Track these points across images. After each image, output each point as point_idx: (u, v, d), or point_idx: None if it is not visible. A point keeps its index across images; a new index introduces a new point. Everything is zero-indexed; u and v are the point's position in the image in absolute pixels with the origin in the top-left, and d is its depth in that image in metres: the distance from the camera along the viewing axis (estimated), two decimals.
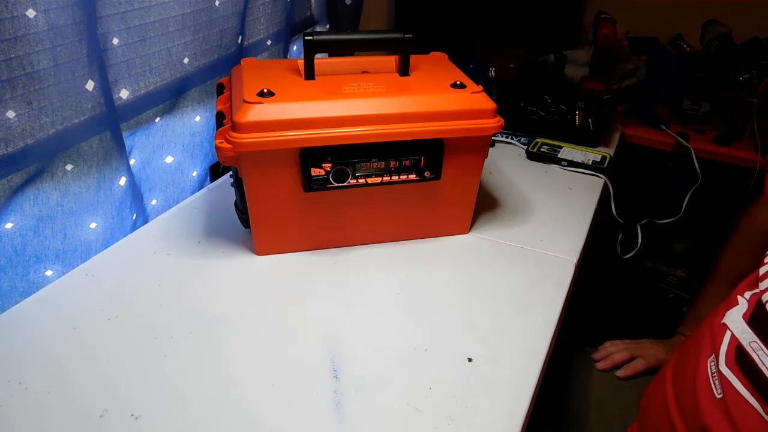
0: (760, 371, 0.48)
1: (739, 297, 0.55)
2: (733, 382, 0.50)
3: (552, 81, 1.24)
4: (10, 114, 0.56)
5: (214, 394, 0.52)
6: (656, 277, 1.45)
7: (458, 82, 0.66)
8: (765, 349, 0.48)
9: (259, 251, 0.70)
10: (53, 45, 0.56)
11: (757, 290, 0.53)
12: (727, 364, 0.51)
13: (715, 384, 0.52)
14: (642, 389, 0.71)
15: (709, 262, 0.81)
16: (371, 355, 0.56)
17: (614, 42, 1.28)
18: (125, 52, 0.70)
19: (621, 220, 1.01)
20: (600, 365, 0.77)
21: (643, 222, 1.15)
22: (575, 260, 0.71)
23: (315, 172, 0.62)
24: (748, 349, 0.49)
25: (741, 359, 0.50)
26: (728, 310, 0.55)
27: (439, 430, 0.49)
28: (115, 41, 0.68)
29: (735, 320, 0.53)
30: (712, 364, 0.53)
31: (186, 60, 0.79)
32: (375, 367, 0.55)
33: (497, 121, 0.65)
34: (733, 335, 0.52)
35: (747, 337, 0.50)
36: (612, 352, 0.79)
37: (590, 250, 0.81)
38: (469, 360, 0.56)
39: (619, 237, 1.17)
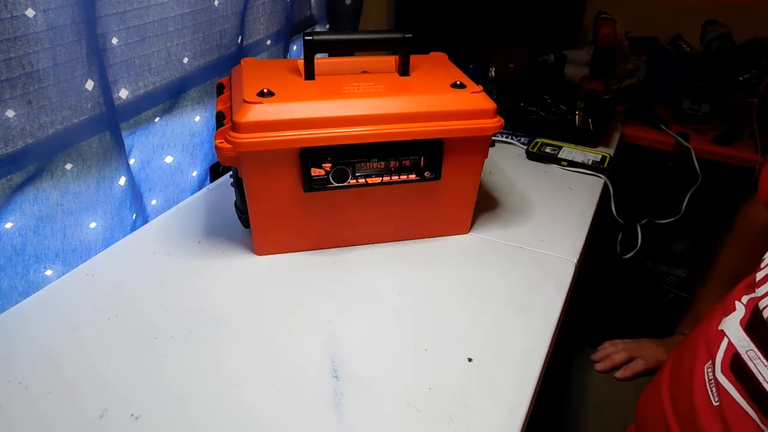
0: (757, 380, 0.47)
1: (736, 302, 0.54)
2: (729, 391, 0.49)
3: (552, 81, 1.24)
4: (10, 113, 0.56)
5: (214, 394, 0.52)
6: (656, 277, 1.45)
7: (458, 82, 0.66)
8: (762, 357, 0.48)
9: (259, 251, 0.70)
10: (53, 45, 0.56)
11: (754, 294, 0.52)
12: (724, 372, 0.50)
13: (711, 391, 0.52)
14: (642, 390, 0.70)
15: (709, 262, 0.81)
16: (371, 355, 0.56)
17: (614, 42, 1.28)
18: (125, 52, 0.70)
19: (621, 220, 1.01)
20: (599, 366, 0.77)
21: (643, 222, 1.15)
22: (575, 260, 0.71)
23: (315, 172, 0.62)
24: (745, 357, 0.49)
25: (737, 367, 0.50)
26: (725, 316, 0.54)
27: (439, 430, 0.49)
28: (115, 41, 0.68)
29: (732, 327, 0.52)
30: (709, 370, 0.53)
31: (185, 60, 0.79)
32: (375, 367, 0.55)
33: (497, 121, 0.65)
34: (730, 343, 0.52)
35: (744, 345, 0.50)
36: (611, 352, 0.79)
37: (590, 250, 0.81)
38: (469, 360, 0.56)
39: (619, 237, 1.17)
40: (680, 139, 1.20)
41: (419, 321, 0.61)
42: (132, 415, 0.49)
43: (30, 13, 0.53)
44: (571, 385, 0.78)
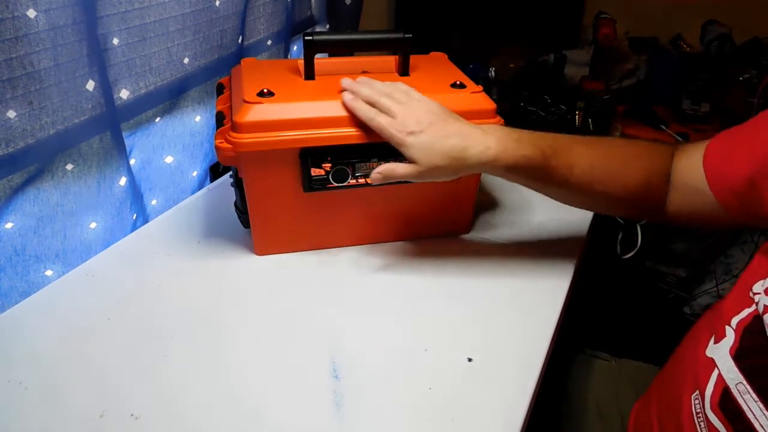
0: (747, 419, 0.45)
1: (726, 327, 0.51)
2: (720, 429, 0.47)
3: (552, 81, 1.24)
4: (11, 114, 0.56)
5: (213, 394, 0.52)
6: (656, 277, 1.45)
7: (458, 82, 0.66)
8: (751, 392, 0.45)
9: (259, 251, 0.70)
10: (54, 45, 0.56)
11: (743, 315, 0.49)
12: (713, 410, 0.48)
13: (700, 426, 0.49)
14: (642, 391, 0.70)
15: (709, 263, 0.80)
16: (371, 355, 0.56)
17: (614, 42, 1.28)
18: (125, 52, 0.70)
19: (621, 220, 1.02)
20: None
21: (643, 222, 1.15)
22: (575, 260, 0.71)
23: (315, 172, 0.62)
24: (735, 392, 0.46)
25: (727, 403, 0.47)
26: (716, 342, 0.51)
27: (439, 430, 0.49)
28: (116, 41, 0.68)
29: (723, 357, 0.49)
30: (697, 403, 0.50)
31: (186, 60, 0.79)
32: (375, 367, 0.55)
33: (497, 121, 0.65)
34: (720, 376, 0.49)
35: (733, 377, 0.47)
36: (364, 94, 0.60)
37: (590, 250, 0.81)
38: (469, 360, 0.56)
39: (619, 237, 1.17)
40: (680, 139, 1.20)
41: (419, 321, 0.61)
42: (132, 415, 0.49)
43: (31, 13, 0.53)
44: (571, 385, 0.78)
